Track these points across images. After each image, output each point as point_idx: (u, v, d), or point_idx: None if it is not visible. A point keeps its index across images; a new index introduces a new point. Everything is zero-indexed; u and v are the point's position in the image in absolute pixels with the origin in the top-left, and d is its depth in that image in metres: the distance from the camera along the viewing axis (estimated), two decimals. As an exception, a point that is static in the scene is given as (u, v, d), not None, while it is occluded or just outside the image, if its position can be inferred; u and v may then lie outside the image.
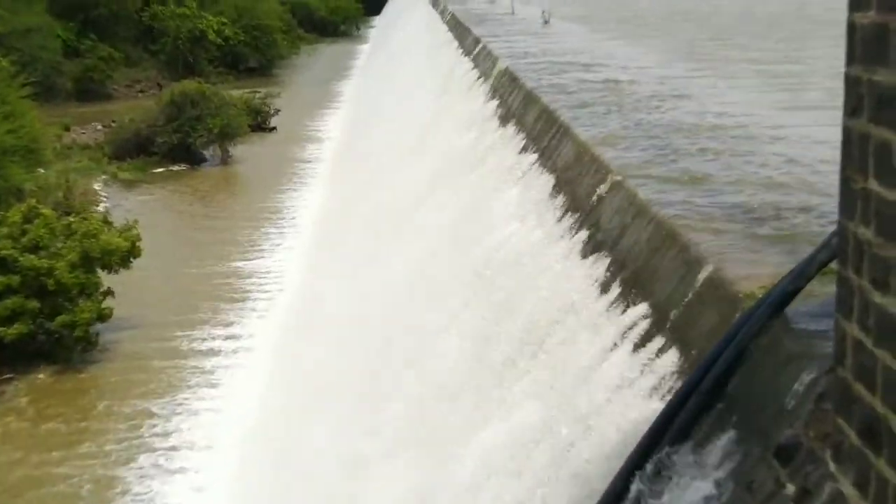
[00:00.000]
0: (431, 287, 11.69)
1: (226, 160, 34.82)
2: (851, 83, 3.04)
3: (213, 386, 17.14)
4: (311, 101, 46.91)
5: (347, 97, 48.00)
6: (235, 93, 40.23)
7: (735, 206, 6.80)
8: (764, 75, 14.70)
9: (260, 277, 22.39)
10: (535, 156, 11.26)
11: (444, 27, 33.53)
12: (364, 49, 69.75)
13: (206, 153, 34.97)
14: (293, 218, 27.33)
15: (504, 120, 14.25)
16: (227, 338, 19.10)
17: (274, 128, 41.01)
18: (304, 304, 19.05)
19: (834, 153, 3.15)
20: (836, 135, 3.18)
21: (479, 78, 18.94)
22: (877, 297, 2.91)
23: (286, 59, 62.23)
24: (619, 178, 8.06)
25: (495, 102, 15.64)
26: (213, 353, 18.50)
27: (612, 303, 6.60)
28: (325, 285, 18.54)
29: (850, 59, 3.04)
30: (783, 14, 29.23)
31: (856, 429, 3.03)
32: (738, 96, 12.60)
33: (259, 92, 45.16)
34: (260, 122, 40.49)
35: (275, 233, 26.05)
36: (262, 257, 23.91)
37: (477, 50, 21.60)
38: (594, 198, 8.37)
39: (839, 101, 3.09)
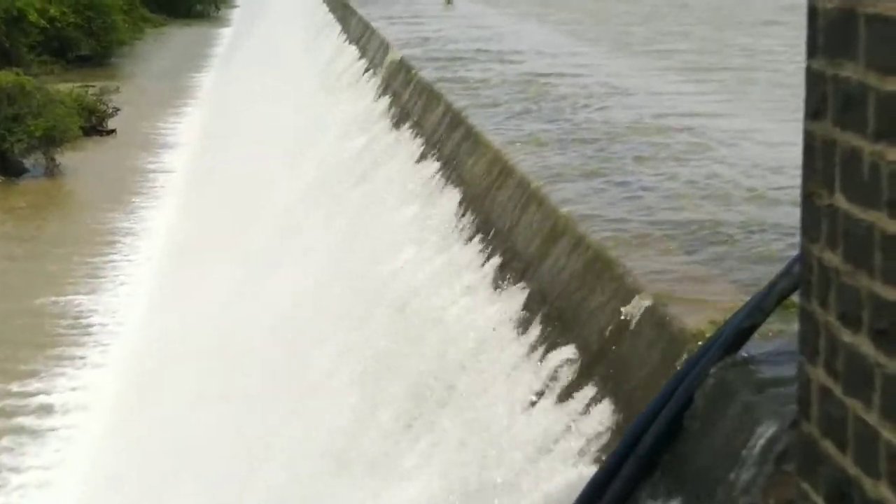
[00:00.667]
0: (310, 327, 11.59)
1: (52, 171, 34.07)
2: (813, 79, 3.09)
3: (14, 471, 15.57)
4: (160, 99, 46.34)
5: (205, 94, 47.53)
6: (64, 87, 39.46)
7: (679, 225, 6.91)
8: (707, 68, 15.03)
9: (93, 317, 21.91)
10: (437, 165, 11.30)
11: (325, 7, 33.56)
12: (225, 33, 69.28)
13: (27, 162, 34.19)
14: (137, 243, 26.86)
15: (398, 121, 14.27)
16: (50, 393, 18.58)
17: (113, 130, 40.34)
18: (151, 350, 18.71)
19: (796, 160, 3.22)
20: (796, 138, 3.25)
21: (367, 70, 18.98)
22: (846, 336, 2.95)
23: (127, 45, 61.38)
24: (539, 192, 8.11)
25: (387, 100, 15.67)
26: (34, 412, 17.98)
27: (532, 345, 6.62)
28: (178, 325, 18.24)
29: (812, 50, 3.10)
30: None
31: (823, 494, 3.07)
32: (678, 92, 12.86)
33: (94, 86, 44.41)
34: (95, 124, 39.78)
35: (114, 261, 25.55)
36: (97, 292, 23.42)
37: (365, 36, 21.65)
38: (509, 216, 8.41)
39: (798, 100, 3.16)
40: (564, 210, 7.50)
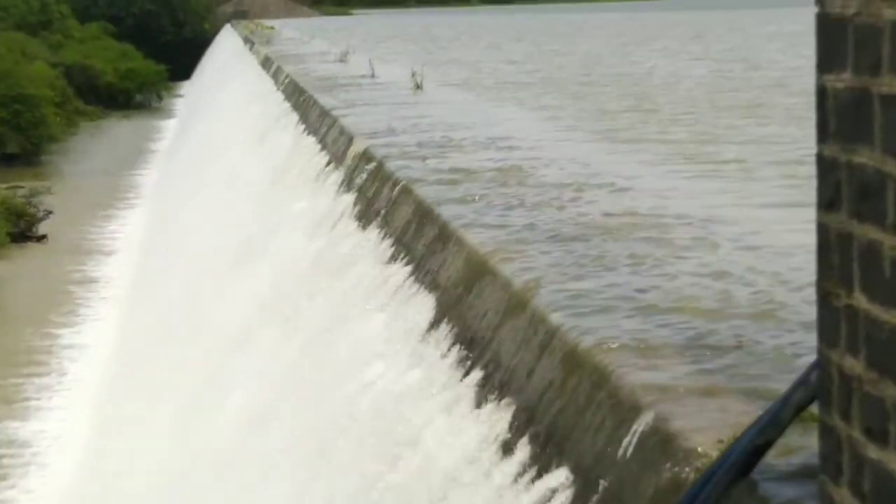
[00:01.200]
0: (264, 459, 11.49)
1: (-27, 284, 33.97)
2: (826, 167, 3.13)
3: None
4: (96, 200, 46.41)
5: (146, 194, 47.68)
6: (-12, 189, 39.48)
7: (681, 332, 6.92)
8: (702, 159, 15.20)
9: (7, 448, 21.67)
10: (409, 269, 11.32)
11: (280, 95, 33.83)
12: (168, 126, 69.76)
13: (-55, 274, 34.09)
14: (64, 369, 26.61)
15: (364, 220, 14.33)
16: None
17: (44, 236, 40.30)
18: (77, 494, 18.48)
19: (809, 260, 3.24)
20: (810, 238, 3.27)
21: (328, 164, 19.09)
22: (872, 452, 2.94)
23: (60, 141, 61.63)
24: (525, 297, 8.13)
25: (351, 196, 15.75)
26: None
27: (520, 469, 6.58)
28: (113, 463, 18.05)
29: (823, 135, 3.14)
30: (731, 79, 30.47)
31: None
32: (676, 183, 12.97)
33: (23, 187, 44.50)
34: (24, 229, 39.76)
35: (39, 387, 25.32)
36: (14, 418, 23.19)
37: (325, 126, 21.82)
38: (492, 326, 8.41)
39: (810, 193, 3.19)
40: (554, 318, 7.51)
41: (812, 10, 3.23)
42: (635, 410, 5.77)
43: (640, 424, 5.63)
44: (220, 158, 35.86)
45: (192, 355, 18.54)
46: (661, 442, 5.37)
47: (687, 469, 4.99)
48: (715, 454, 4.73)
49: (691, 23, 77.45)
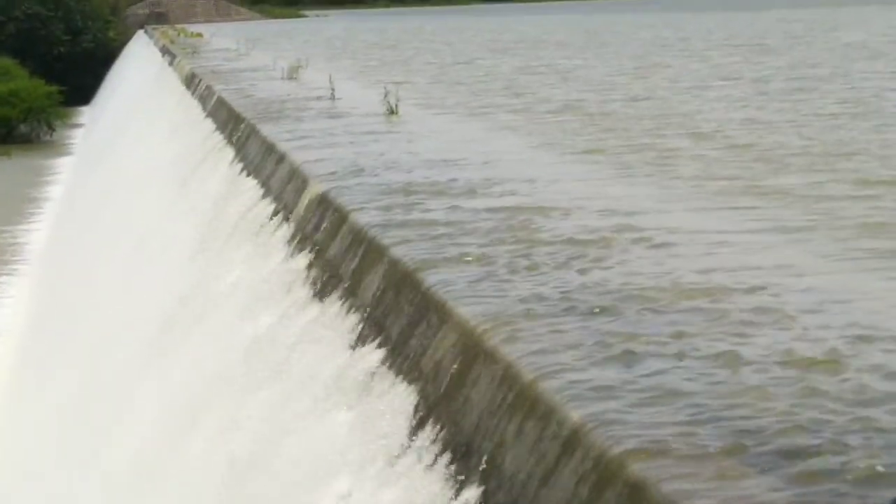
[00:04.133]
0: None
1: None
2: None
3: None
4: (-35, 264, 46.36)
5: (34, 257, 47.64)
6: None
7: (743, 433, 6.94)
8: (760, 192, 15.28)
9: None
10: (381, 353, 11.31)
11: (210, 124, 33.91)
12: (63, 165, 69.84)
13: None
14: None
15: (322, 289, 14.32)
16: None
17: None
18: None
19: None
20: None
21: (275, 214, 19.10)
22: None
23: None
24: (536, 390, 8.13)
25: (305, 258, 15.74)
26: None
27: None
28: None
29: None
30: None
31: None
32: (724, 233, 13.00)
33: None
34: None
35: None
36: None
37: (271, 166, 21.87)
38: (493, 427, 8.40)
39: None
40: (576, 416, 7.51)
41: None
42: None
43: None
44: (130, 208, 35.87)
45: (93, 476, 18.46)
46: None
47: None
48: None
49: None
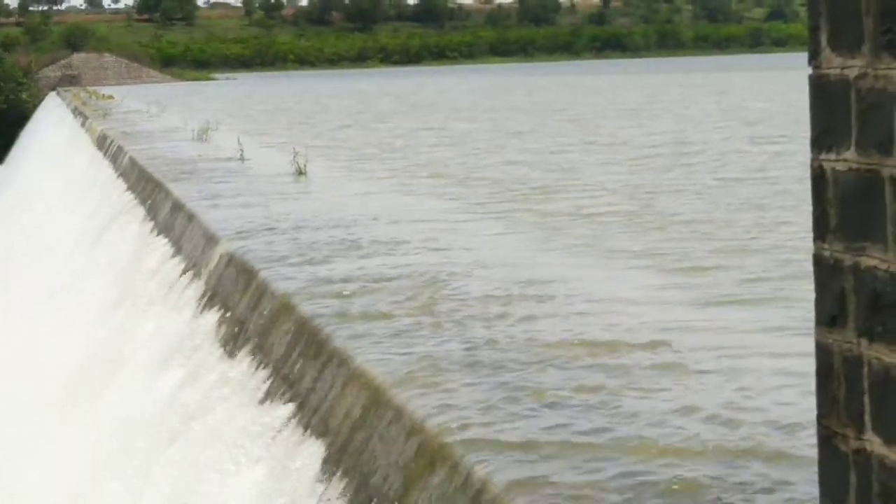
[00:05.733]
0: None
1: None
2: (826, 272, 3.14)
3: None
4: None
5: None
6: None
7: (644, 486, 6.93)
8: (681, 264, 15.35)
9: None
10: (290, 408, 11.24)
11: (121, 184, 33.76)
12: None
13: None
14: None
15: (232, 346, 14.23)
16: None
17: None
18: None
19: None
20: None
21: (184, 272, 18.98)
22: None
23: None
24: (443, 445, 8.09)
25: (215, 315, 15.65)
26: None
27: None
28: None
29: (821, 230, 3.16)
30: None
31: None
32: (630, 294, 13.05)
33: None
34: None
35: None
36: None
37: (182, 224, 21.77)
38: (399, 483, 8.35)
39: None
40: (482, 472, 7.47)
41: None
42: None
43: None
44: (39, 266, 35.54)
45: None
46: None
47: None
48: None
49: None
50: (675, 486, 6.96)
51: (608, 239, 16.88)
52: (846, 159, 3.05)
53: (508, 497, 7.03)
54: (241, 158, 31.56)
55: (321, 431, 10.31)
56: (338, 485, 9.34)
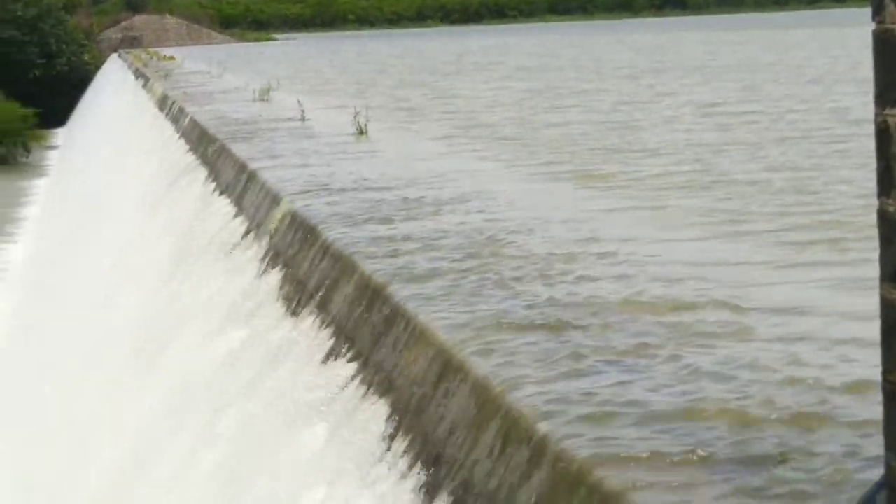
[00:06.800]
0: None
1: None
2: (892, 228, 3.12)
3: None
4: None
5: (11, 275, 47.37)
6: None
7: (738, 462, 6.93)
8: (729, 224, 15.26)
9: None
10: (353, 367, 11.28)
11: (183, 145, 33.85)
12: (39, 186, 69.53)
13: None
14: None
15: (295, 305, 14.27)
16: None
17: None
18: None
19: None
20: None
21: (247, 233, 19.03)
22: None
23: None
24: (503, 400, 8.10)
25: (277, 274, 15.70)
26: None
27: None
28: None
29: (886, 186, 3.13)
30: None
31: None
32: (697, 250, 13.00)
33: None
34: None
35: None
36: None
37: (243, 185, 21.82)
38: (463, 439, 8.38)
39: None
40: (543, 428, 7.50)
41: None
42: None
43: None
44: (106, 227, 35.72)
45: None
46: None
47: None
48: None
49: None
50: (738, 447, 6.96)
51: (670, 198, 16.81)
52: None
53: (567, 451, 7.05)
54: (302, 118, 31.58)
55: (384, 389, 10.34)
56: (402, 442, 9.38)
